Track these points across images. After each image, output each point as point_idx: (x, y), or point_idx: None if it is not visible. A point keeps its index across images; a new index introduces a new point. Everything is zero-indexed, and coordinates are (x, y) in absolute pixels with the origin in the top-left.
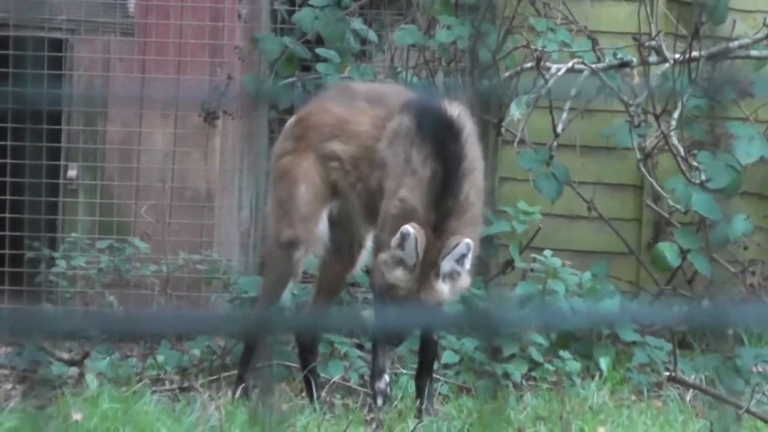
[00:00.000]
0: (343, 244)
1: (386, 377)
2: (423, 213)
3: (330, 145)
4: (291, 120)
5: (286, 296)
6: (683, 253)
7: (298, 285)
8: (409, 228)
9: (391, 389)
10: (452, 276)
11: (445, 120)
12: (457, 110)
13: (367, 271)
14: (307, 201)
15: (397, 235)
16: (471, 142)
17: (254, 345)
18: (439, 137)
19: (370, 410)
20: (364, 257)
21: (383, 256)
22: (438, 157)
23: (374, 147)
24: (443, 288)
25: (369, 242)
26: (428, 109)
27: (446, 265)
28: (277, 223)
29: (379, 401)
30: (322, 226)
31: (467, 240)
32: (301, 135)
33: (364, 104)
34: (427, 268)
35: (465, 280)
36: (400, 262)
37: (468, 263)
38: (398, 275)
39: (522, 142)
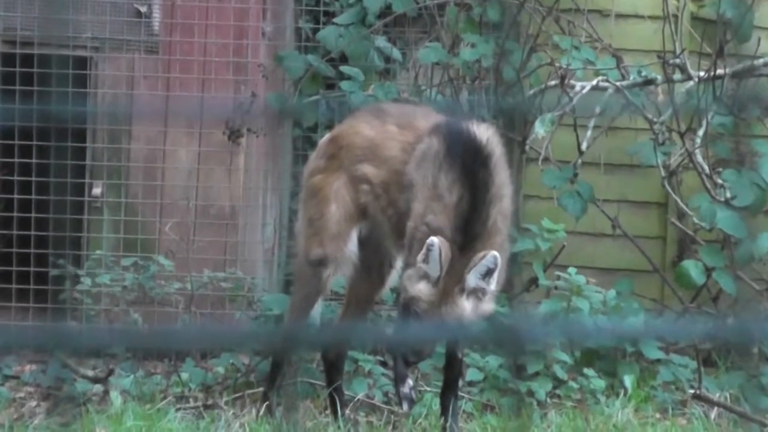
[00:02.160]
0: (372, 264)
1: (409, 381)
2: (450, 234)
3: (361, 168)
4: (325, 137)
5: (315, 314)
6: (708, 270)
7: (323, 303)
8: (433, 239)
9: (415, 393)
10: (477, 294)
11: (474, 144)
12: (486, 134)
13: (398, 295)
14: (338, 220)
15: (423, 249)
16: (500, 167)
17: (282, 362)
18: (467, 162)
19: (394, 428)
20: (393, 277)
21: (408, 272)
22: (465, 182)
23: (403, 170)
24: (466, 305)
25: (399, 263)
26: (458, 133)
27: (471, 279)
28: (306, 241)
29: (405, 406)
30: (352, 246)
31: (494, 252)
32: (333, 154)
33: (394, 129)
34: (452, 282)
35: (489, 305)
36: (424, 276)
37: (494, 282)
38: (421, 288)
39: (546, 159)
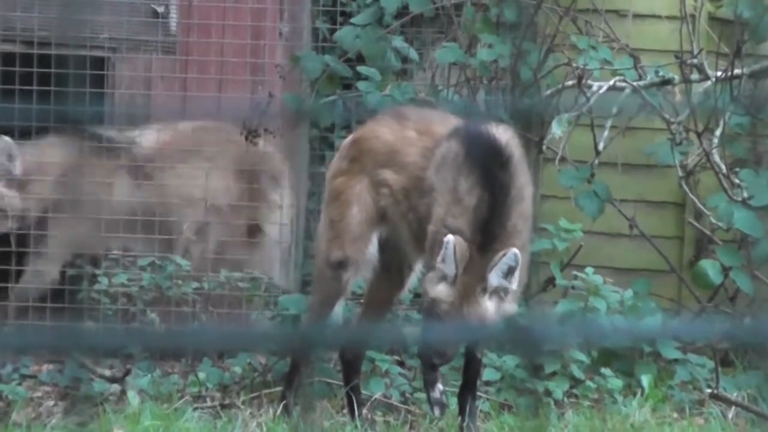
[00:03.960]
0: (392, 266)
1: (439, 386)
2: (469, 235)
3: (382, 173)
4: (347, 139)
5: (336, 314)
6: (725, 270)
7: (343, 303)
8: (449, 237)
9: (446, 398)
10: (499, 294)
11: (494, 147)
12: (506, 136)
13: (417, 295)
14: (359, 223)
15: (442, 250)
16: (520, 169)
17: (300, 362)
18: (487, 164)
19: (411, 427)
20: (412, 279)
21: (429, 275)
22: (485, 185)
23: (423, 176)
24: (488, 305)
25: (418, 266)
26: (477, 136)
27: (494, 278)
28: (328, 243)
29: (437, 412)
30: (372, 249)
31: (515, 250)
32: (355, 157)
33: (413, 134)
34: (473, 282)
35: (511, 305)
36: (443, 277)
37: (516, 281)
38: (440, 290)
39: (563, 159)
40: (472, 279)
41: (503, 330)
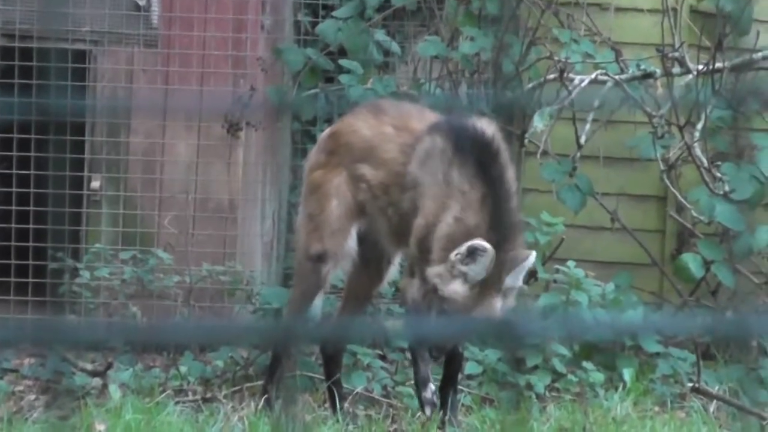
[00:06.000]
0: (371, 260)
1: (431, 386)
2: (485, 233)
3: (360, 167)
4: (325, 132)
5: (315, 308)
6: (707, 264)
7: (323, 297)
8: (485, 244)
9: (437, 397)
10: (507, 293)
11: (483, 140)
12: (491, 129)
13: (398, 289)
14: (338, 216)
15: (463, 249)
16: (508, 162)
17: (282, 356)
18: (480, 158)
19: (393, 421)
20: (392, 273)
21: (437, 269)
22: (485, 179)
23: (403, 171)
24: (498, 304)
25: (397, 259)
26: (464, 130)
27: (509, 280)
28: (307, 237)
29: (428, 411)
30: (351, 242)
31: (533, 253)
32: (333, 150)
33: (390, 130)
34: (489, 283)
35: (511, 301)
36: (460, 276)
37: (522, 280)
38: (456, 289)
39: (545, 153)
40: (488, 280)
41: (486, 324)
